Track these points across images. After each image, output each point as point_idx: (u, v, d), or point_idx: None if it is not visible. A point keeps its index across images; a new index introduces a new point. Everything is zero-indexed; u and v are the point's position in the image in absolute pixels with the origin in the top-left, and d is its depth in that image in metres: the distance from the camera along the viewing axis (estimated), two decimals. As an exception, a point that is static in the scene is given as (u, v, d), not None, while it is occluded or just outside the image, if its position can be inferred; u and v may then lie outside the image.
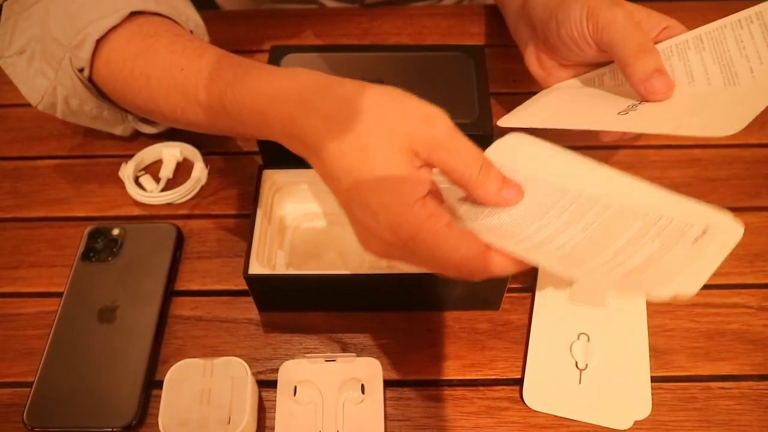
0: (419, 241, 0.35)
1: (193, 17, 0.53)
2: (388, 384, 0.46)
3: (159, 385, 0.44)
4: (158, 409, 0.42)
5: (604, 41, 0.46)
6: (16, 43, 0.51)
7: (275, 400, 0.44)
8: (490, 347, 0.48)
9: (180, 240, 0.54)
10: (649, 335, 0.48)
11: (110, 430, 0.44)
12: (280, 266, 0.51)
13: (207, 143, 0.60)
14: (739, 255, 0.52)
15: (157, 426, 0.41)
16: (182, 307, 0.51)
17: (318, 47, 0.58)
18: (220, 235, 0.55)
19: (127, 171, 0.58)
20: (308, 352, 0.48)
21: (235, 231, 0.55)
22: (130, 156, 0.59)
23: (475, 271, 0.36)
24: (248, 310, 0.50)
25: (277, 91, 0.39)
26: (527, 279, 0.52)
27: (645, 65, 0.43)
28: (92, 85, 0.51)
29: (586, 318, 0.49)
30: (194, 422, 0.42)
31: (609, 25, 0.45)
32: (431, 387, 0.46)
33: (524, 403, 0.45)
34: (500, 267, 0.36)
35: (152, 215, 0.56)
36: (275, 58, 0.56)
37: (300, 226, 0.54)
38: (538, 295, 0.50)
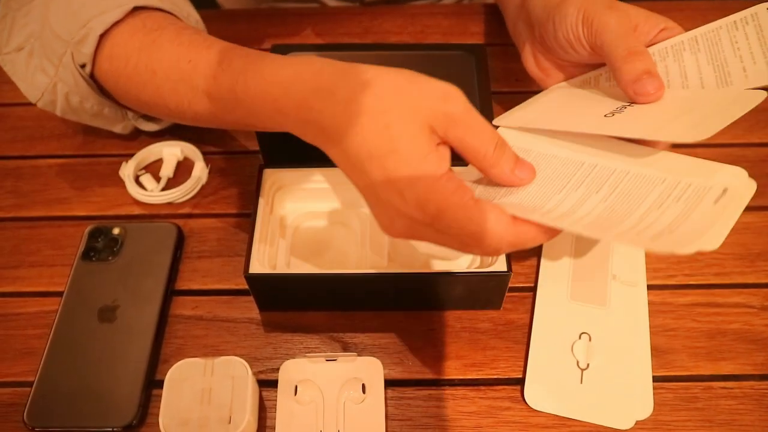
0: (447, 215, 0.35)
1: (193, 14, 0.53)
2: (389, 383, 0.46)
3: (159, 384, 0.44)
4: (159, 408, 0.42)
5: (597, 45, 0.46)
6: (14, 40, 0.50)
7: (276, 400, 0.44)
8: (491, 347, 0.48)
9: (180, 239, 0.54)
10: (650, 335, 0.48)
11: (111, 429, 0.44)
12: (281, 265, 0.51)
13: (208, 142, 0.60)
14: (740, 255, 0.52)
15: (158, 425, 0.41)
16: (183, 307, 0.51)
17: (319, 46, 0.58)
18: (220, 234, 0.55)
19: (127, 170, 0.58)
20: (309, 352, 0.48)
21: (235, 230, 0.55)
22: (131, 155, 0.59)
23: (502, 243, 0.36)
24: (249, 309, 0.50)
25: (291, 78, 0.38)
26: (528, 278, 0.52)
27: (634, 68, 0.43)
28: (93, 81, 0.51)
29: (587, 317, 0.49)
30: (195, 422, 0.42)
31: (602, 29, 0.45)
32: (432, 386, 0.46)
33: (525, 402, 0.45)
34: (531, 237, 0.36)
35: (153, 214, 0.56)
36: (276, 57, 0.56)
37: (301, 225, 0.54)
38: (539, 294, 0.50)
